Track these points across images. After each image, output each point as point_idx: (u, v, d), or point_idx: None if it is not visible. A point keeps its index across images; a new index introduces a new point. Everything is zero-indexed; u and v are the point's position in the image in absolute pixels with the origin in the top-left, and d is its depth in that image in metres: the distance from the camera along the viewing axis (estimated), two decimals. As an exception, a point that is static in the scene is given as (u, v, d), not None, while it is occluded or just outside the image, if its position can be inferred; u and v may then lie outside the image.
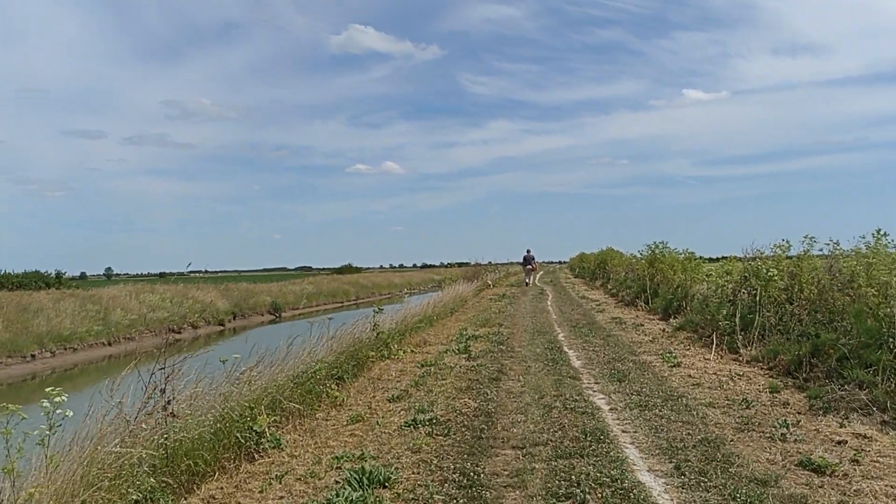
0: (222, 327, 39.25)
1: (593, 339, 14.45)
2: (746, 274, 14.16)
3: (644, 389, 9.09)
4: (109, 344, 31.63)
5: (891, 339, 9.13)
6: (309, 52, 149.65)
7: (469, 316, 20.70)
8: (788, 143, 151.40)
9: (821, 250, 13.11)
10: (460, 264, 48.72)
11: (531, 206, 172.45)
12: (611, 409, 8.08)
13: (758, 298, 13.10)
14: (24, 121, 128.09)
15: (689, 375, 10.20)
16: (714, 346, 12.56)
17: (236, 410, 6.83)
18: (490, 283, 40.03)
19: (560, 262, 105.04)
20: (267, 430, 7.01)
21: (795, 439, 6.75)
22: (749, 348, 12.33)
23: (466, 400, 8.58)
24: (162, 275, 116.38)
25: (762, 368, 11.06)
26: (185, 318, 36.97)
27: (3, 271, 40.37)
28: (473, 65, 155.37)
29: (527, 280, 40.07)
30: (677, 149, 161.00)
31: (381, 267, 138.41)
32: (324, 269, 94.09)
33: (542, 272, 55.39)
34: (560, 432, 6.98)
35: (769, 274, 12.96)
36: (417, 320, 16.12)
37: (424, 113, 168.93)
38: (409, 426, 7.38)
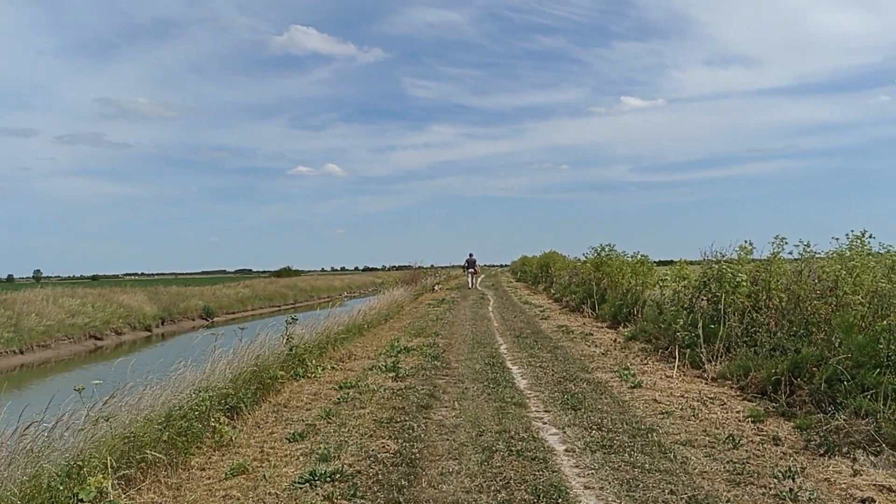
0: (149, 333, 36.62)
1: (539, 351, 12.68)
2: (706, 279, 12.59)
3: (605, 421, 7.31)
4: (21, 352, 28.80)
5: (892, 357, 7.59)
6: (250, 52, 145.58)
7: (404, 324, 18.77)
8: (722, 150, 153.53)
9: (790, 253, 11.63)
10: (400, 267, 46.69)
11: (473, 209, 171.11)
12: (567, 450, 6.27)
13: (721, 306, 11.51)
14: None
15: (655, 399, 8.48)
16: (676, 361, 10.90)
17: (54, 469, 4.81)
18: (435, 287, 38.18)
19: (502, 266, 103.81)
20: (105, 493, 5.00)
21: (809, 498, 5.04)
22: (714, 363, 10.72)
23: (385, 440, 6.65)
24: (95, 277, 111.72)
25: (733, 388, 9.44)
26: (108, 323, 34.33)
27: None
28: (416, 68, 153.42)
29: (469, 283, 39.74)
30: (617, 155, 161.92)
31: (323, 270, 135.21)
32: (264, 272, 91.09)
33: (483, 275, 53.83)
34: (504, 492, 5.14)
35: (737, 279, 11.39)
36: (343, 329, 14.14)
37: (366, 116, 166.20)
38: (304, 483, 5.45)
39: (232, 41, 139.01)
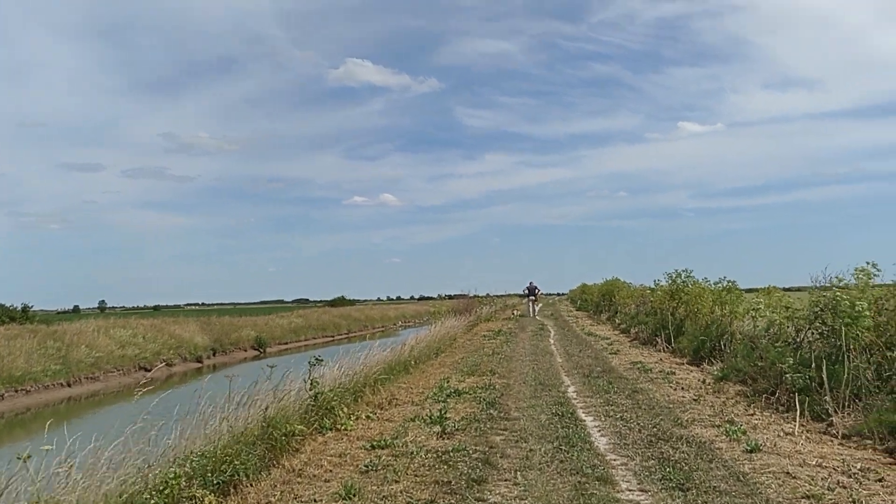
0: (200, 364, 35.32)
1: (616, 396, 10.42)
2: (818, 308, 10.23)
3: (730, 511, 5.11)
4: (69, 385, 27.64)
5: None
6: (307, 85, 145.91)
7: (456, 359, 16.62)
8: (784, 175, 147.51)
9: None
10: (454, 296, 44.59)
11: (529, 238, 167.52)
12: (689, 569, 4.10)
13: (842, 342, 9.14)
14: (23, 155, 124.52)
15: (786, 472, 6.20)
16: (798, 413, 8.55)
17: None
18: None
19: (559, 294, 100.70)
20: None
21: None
22: (843, 415, 8.37)
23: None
24: (157, 308, 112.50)
25: (877, 451, 7.10)
26: (159, 354, 33.11)
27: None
28: (470, 98, 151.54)
29: (529, 311, 38.44)
30: (675, 181, 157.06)
31: (378, 299, 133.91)
32: (320, 301, 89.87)
33: (541, 304, 51.38)
34: None
35: (856, 308, 9.03)
36: (386, 367, 12.11)
37: (421, 145, 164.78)
38: None
39: (289, 75, 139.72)
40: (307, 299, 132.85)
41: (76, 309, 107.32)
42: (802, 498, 5.44)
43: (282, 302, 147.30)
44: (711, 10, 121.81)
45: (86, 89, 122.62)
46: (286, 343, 44.67)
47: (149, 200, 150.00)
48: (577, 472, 6.17)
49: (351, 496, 5.72)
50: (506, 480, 6.06)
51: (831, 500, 5.39)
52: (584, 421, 8.59)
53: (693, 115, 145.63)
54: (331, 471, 6.70)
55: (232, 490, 6.04)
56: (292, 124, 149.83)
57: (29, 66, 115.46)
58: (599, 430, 8.06)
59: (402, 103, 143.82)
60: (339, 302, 79.04)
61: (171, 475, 5.08)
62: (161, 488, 5.02)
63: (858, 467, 6.36)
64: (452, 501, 5.50)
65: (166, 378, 31.76)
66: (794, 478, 6.01)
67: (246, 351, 39.90)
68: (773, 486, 5.77)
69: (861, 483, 5.88)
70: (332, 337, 50.47)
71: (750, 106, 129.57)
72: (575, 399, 10.26)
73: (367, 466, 6.65)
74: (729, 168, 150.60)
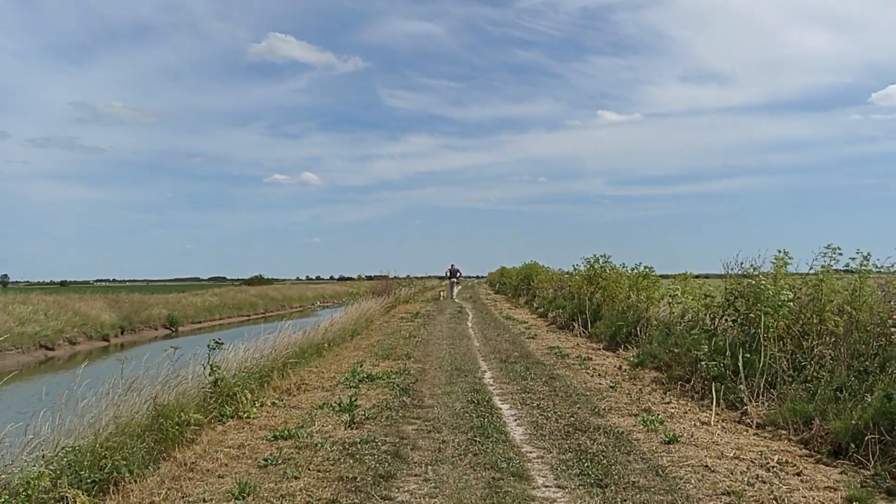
0: (107, 343, 33.72)
1: (533, 383, 10.13)
2: (731, 296, 10.19)
3: (650, 509, 4.82)
4: (-47, 366, 25.76)
5: None
6: (228, 58, 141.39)
7: (372, 341, 16.10)
8: (697, 165, 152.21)
9: (846, 266, 9.25)
10: (371, 277, 43.96)
11: (451, 220, 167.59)
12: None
13: (759, 331, 9.08)
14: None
15: (704, 465, 5.98)
16: (714, 402, 8.42)
17: None
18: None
19: (478, 277, 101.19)
20: None
21: None
22: (757, 404, 8.28)
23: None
24: (64, 283, 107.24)
25: (791, 441, 7.01)
26: (62, 332, 31.43)
27: None
28: (394, 79, 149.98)
29: (451, 293, 38.61)
30: (592, 168, 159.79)
31: (298, 279, 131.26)
32: (237, 280, 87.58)
33: (460, 286, 51.20)
34: None
35: (780, 297, 8.97)
36: (297, 351, 11.50)
37: (344, 125, 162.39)
38: None
39: (210, 47, 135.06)
40: (224, 277, 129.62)
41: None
42: (723, 494, 5.20)
43: (197, 280, 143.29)
44: (634, 3, 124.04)
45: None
46: (200, 322, 43.19)
47: (58, 171, 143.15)
48: (492, 467, 5.79)
49: (245, 495, 5.18)
50: (416, 476, 5.63)
51: (752, 496, 5.17)
52: (500, 409, 8.25)
53: (612, 104, 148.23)
54: (226, 465, 6.13)
55: (112, 488, 5.41)
56: (213, 98, 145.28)
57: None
58: (515, 420, 7.73)
59: (326, 81, 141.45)
60: (257, 281, 77.11)
61: (34, 475, 4.43)
62: (21, 489, 4.37)
63: (776, 460, 6.19)
64: (356, 501, 5.03)
65: (69, 357, 30.19)
66: (713, 471, 5.78)
67: (157, 330, 38.38)
68: (693, 481, 5.52)
69: (780, 477, 5.70)
70: (248, 316, 49.10)
71: (666, 97, 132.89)
72: (491, 385, 9.93)
73: (266, 460, 6.10)
74: (645, 157, 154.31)
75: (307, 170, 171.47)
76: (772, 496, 5.15)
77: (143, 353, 8.08)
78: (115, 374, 7.04)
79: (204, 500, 5.14)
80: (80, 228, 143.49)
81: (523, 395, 9.11)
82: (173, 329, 38.86)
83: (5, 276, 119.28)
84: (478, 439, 6.73)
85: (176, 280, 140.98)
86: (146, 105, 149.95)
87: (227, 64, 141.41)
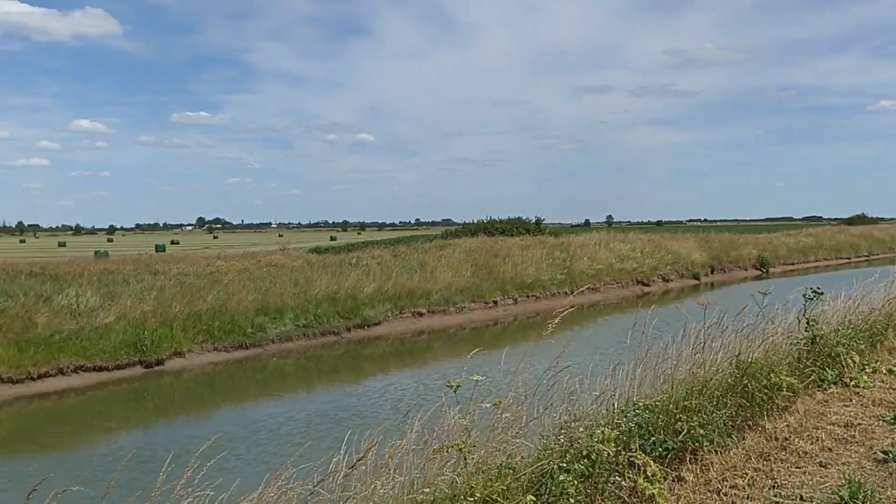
0: (697, 281, 34.17)
1: None
2: None
3: None
4: (571, 293, 28.79)
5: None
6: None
7: None
8: None
9: None
10: None
11: None
12: None
13: None
14: (543, 82, 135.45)
15: None
16: None
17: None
18: None
19: None
20: None
21: None
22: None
23: None
24: (659, 223, 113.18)
25: None
26: (656, 269, 32.85)
27: (489, 218, 40.45)
28: None
29: None
30: None
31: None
32: (835, 219, 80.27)
33: None
34: None
35: None
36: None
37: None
38: None
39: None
40: (820, 217, 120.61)
41: (587, 223, 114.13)
42: None
43: (790, 220, 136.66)
44: None
45: (592, 13, 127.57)
46: (792, 263, 40.73)
47: (653, 118, 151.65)
48: None
49: (856, 499, 3.80)
50: None
51: None
52: None
53: None
54: (830, 449, 4.77)
55: (689, 457, 4.59)
56: (805, 25, 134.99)
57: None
58: None
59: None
60: (858, 220, 69.16)
61: (598, 437, 3.84)
62: (586, 451, 3.83)
63: None
64: None
65: (662, 293, 31.33)
66: None
67: (746, 270, 37.45)
68: None
69: None
70: (849, 259, 44.53)
71: None
72: None
73: (885, 453, 4.54)
74: None
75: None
76: None
77: (729, 294, 7.04)
78: (696, 318, 6.18)
79: (801, 499, 3.93)
80: (672, 170, 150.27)
81: None
82: (763, 269, 37.45)
83: (610, 216, 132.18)
84: None
85: (766, 219, 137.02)
86: (737, 42, 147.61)
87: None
